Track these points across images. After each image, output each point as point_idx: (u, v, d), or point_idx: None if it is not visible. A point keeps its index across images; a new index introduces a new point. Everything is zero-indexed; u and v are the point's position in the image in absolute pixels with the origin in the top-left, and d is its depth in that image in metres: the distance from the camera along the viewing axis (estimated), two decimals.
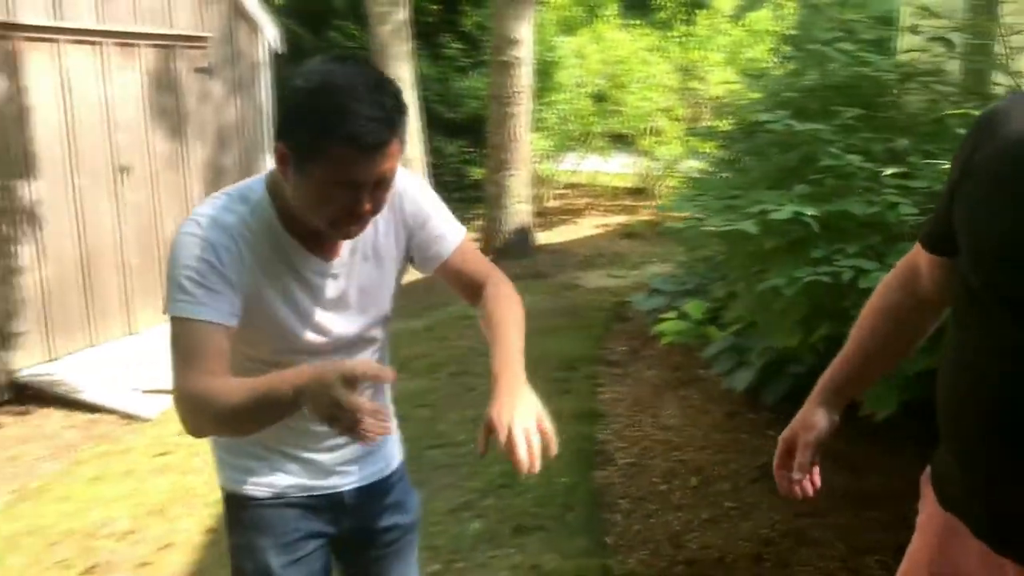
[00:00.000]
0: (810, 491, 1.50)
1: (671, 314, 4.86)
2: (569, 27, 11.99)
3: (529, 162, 9.01)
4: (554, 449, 1.30)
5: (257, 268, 1.44)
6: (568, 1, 12.55)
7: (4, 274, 5.19)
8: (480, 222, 9.47)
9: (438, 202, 1.64)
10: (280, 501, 1.64)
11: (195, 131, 6.62)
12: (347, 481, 1.70)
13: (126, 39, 5.92)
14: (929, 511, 1.41)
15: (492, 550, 3.23)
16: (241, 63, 7.11)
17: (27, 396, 5.17)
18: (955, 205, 1.31)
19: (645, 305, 5.69)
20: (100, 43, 5.75)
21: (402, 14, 8.01)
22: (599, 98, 11.15)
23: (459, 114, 10.74)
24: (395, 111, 1.33)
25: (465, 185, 10.94)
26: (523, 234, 8.81)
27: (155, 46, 6.18)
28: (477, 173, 10.13)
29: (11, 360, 5.20)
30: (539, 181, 11.63)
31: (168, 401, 4.86)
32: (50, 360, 5.38)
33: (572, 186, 12.18)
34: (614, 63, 10.80)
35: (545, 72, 10.57)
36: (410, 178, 1.61)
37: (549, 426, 1.32)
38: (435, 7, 11.11)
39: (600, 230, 10.40)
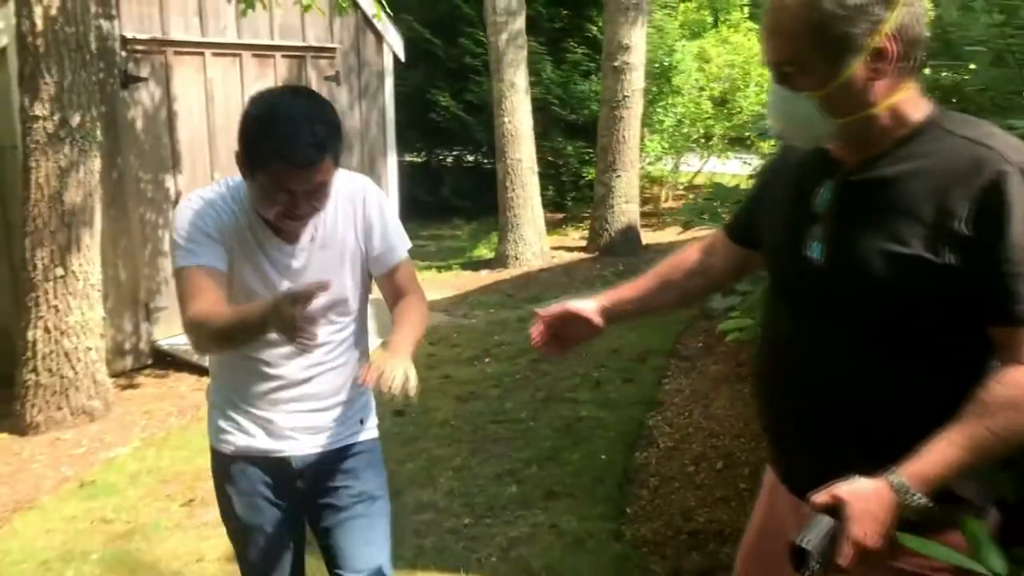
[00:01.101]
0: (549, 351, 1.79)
1: (737, 312, 5.08)
2: (695, 31, 12.11)
3: (637, 164, 9.28)
4: (411, 391, 1.68)
5: (234, 238, 1.83)
6: (694, 5, 12.67)
7: (150, 257, 6.02)
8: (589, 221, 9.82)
9: (395, 217, 1.98)
10: (240, 458, 2.00)
11: None
12: (297, 447, 1.99)
13: (263, 51, 6.68)
14: (767, 473, 1.71)
15: (521, 510, 3.63)
16: (366, 71, 7.78)
17: (165, 362, 5.97)
18: (757, 208, 1.64)
19: (721, 303, 5.90)
20: (239, 55, 6.52)
21: (518, 23, 8.48)
22: (721, 101, 11.25)
23: (579, 116, 11.11)
24: (327, 138, 1.71)
25: (581, 185, 11.31)
26: (629, 233, 9.09)
27: (288, 57, 6.91)
28: (593, 173, 10.50)
29: (154, 331, 6.02)
30: (653, 182, 11.84)
31: None
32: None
33: (693, 187, 12.30)
34: (734, 66, 10.86)
35: (662, 75, 10.78)
36: (376, 189, 1.97)
37: (411, 376, 1.69)
38: (564, 12, 11.53)
39: (711, 230, 10.49)
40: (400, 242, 1.99)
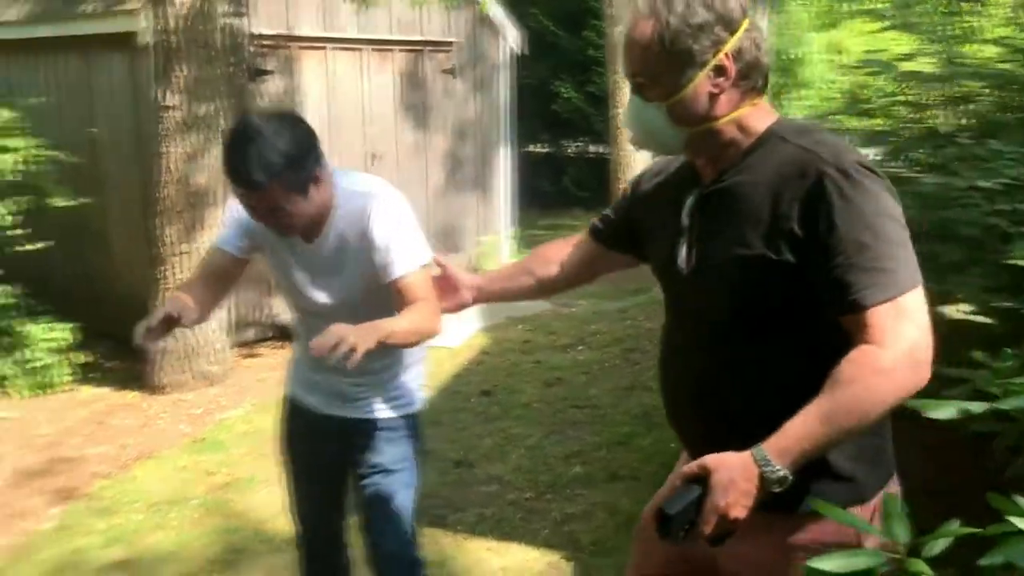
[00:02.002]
0: None
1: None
2: (827, 22, 11.75)
3: None
4: (337, 356, 1.70)
5: (268, 230, 2.07)
6: None
7: None
8: None
9: (400, 233, 2.01)
10: (293, 403, 2.34)
11: (437, 125, 7.64)
12: (327, 407, 2.25)
13: (383, 46, 7.04)
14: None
15: (582, 489, 3.78)
16: (483, 64, 8.03)
17: (285, 335, 6.43)
18: (628, 215, 1.79)
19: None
20: (361, 49, 6.91)
21: None
22: (853, 94, 10.86)
23: None
24: (276, 166, 1.84)
25: None
26: None
27: (407, 51, 7.26)
28: None
29: (274, 307, 6.50)
30: None
31: None
32: None
33: None
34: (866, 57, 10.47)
35: (789, 68, 10.54)
36: (384, 206, 2.02)
37: (350, 343, 1.71)
38: None
39: None
40: (400, 259, 2.00)
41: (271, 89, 6.38)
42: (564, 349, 5.99)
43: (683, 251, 1.55)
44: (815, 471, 1.38)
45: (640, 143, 1.60)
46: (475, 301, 2.02)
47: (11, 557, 3.46)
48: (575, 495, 3.73)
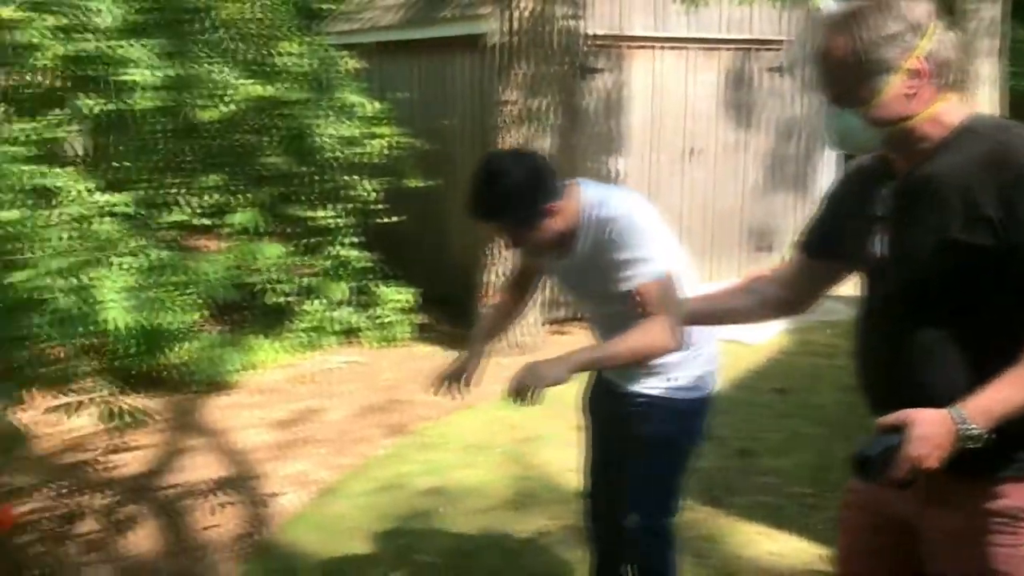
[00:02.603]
0: None
1: None
2: None
3: None
4: (519, 394, 2.05)
5: None
6: None
7: None
8: None
9: (640, 249, 2.18)
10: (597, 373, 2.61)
11: (759, 123, 7.62)
12: (618, 380, 2.47)
13: (710, 44, 7.18)
14: None
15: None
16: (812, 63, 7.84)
17: None
18: (830, 223, 1.87)
19: None
20: (688, 48, 7.10)
21: (991, 10, 7.81)
22: None
23: None
24: (492, 209, 2.21)
25: None
26: None
27: (735, 49, 7.32)
28: None
29: None
30: None
31: None
32: None
33: None
34: None
35: None
36: (621, 213, 2.22)
37: (530, 380, 2.02)
38: None
39: None
40: (637, 270, 2.17)
41: (599, 86, 6.80)
42: None
43: (879, 239, 1.65)
44: (1016, 438, 1.46)
45: (838, 145, 1.71)
46: (683, 323, 2.13)
47: (351, 474, 4.16)
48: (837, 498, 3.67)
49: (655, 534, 2.46)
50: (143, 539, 3.50)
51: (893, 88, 1.55)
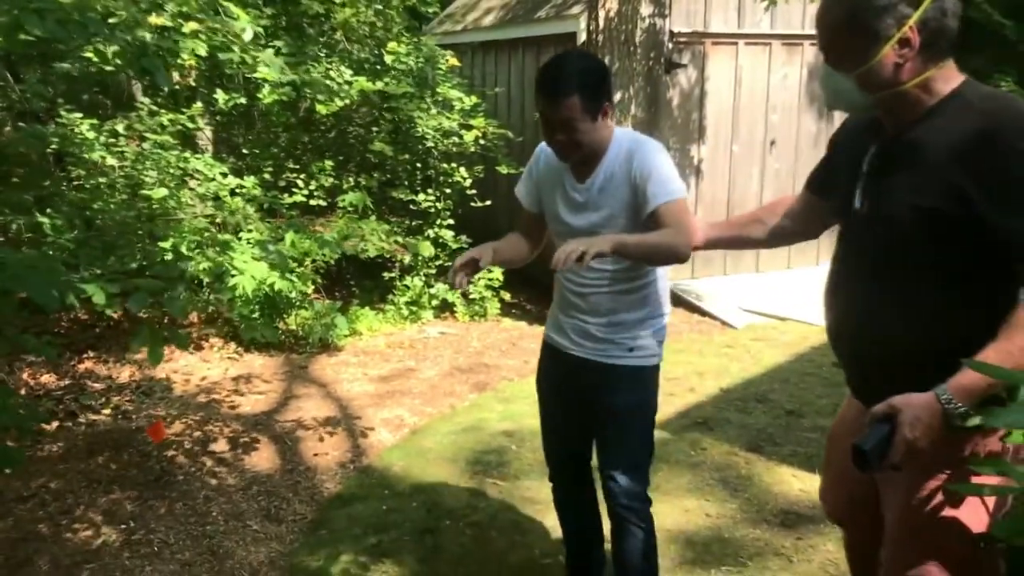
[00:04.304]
0: None
1: None
2: None
3: None
4: (569, 262, 1.98)
5: (548, 173, 2.47)
6: None
7: None
8: None
9: (662, 168, 2.26)
10: (546, 340, 2.62)
11: (841, 115, 7.84)
12: (570, 346, 2.48)
13: (792, 40, 7.48)
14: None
15: None
16: None
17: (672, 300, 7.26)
18: (830, 165, 2.02)
19: None
20: (770, 44, 7.42)
21: None
22: None
23: None
24: (576, 82, 2.17)
25: None
26: None
27: (816, 45, 7.57)
28: None
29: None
30: None
31: (754, 318, 6.44)
32: (691, 277, 7.39)
33: None
34: None
35: None
36: (648, 145, 2.31)
37: (579, 249, 1.98)
38: None
39: None
40: (661, 189, 2.24)
41: (682, 80, 7.21)
42: None
43: (859, 194, 1.75)
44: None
45: (833, 104, 1.78)
46: (704, 246, 2.27)
47: (439, 418, 4.75)
48: None
49: (643, 503, 2.52)
50: (264, 459, 4.18)
51: (884, 56, 1.60)
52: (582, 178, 2.39)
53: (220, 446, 4.31)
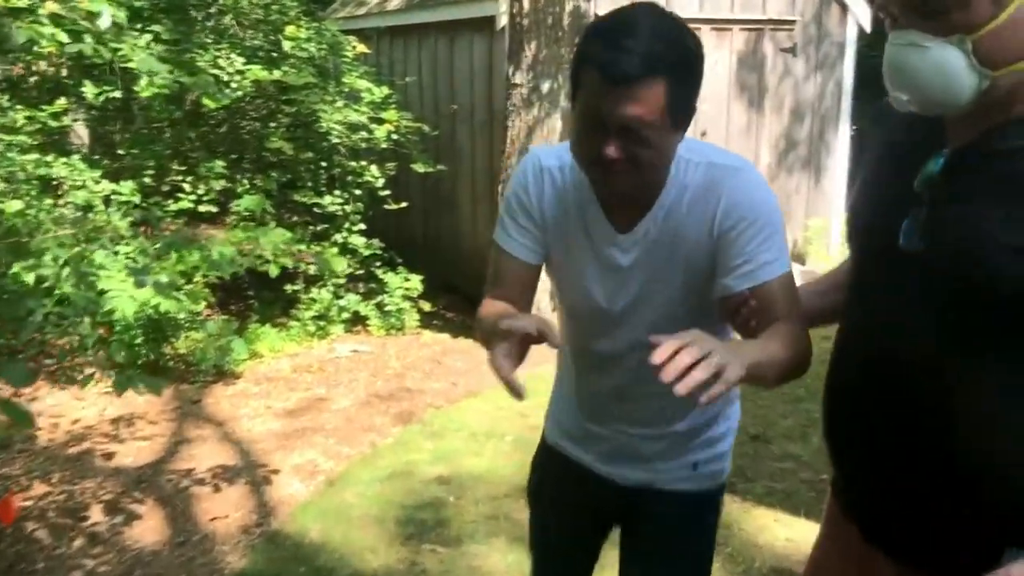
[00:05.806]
0: None
1: None
2: None
3: None
4: (710, 395, 1.07)
5: (559, 217, 1.51)
6: None
7: None
8: None
9: (772, 216, 1.41)
10: (559, 455, 1.79)
11: (771, 105, 7.51)
12: (610, 468, 1.69)
13: (721, 25, 7.06)
14: (828, 501, 1.49)
15: None
16: (826, 42, 7.72)
17: None
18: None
19: None
20: (699, 29, 6.97)
21: None
22: None
23: None
24: (660, 54, 1.26)
25: None
26: None
27: (746, 30, 7.20)
28: None
29: None
30: None
31: None
32: None
33: None
34: None
35: None
36: (745, 172, 1.43)
37: (724, 371, 1.07)
38: None
39: None
40: (773, 253, 1.40)
41: None
42: None
43: (908, 223, 1.16)
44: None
45: (910, 95, 1.14)
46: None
47: (360, 462, 4.11)
48: None
49: None
50: (149, 530, 3.46)
51: (1020, 7, 1.02)
52: (626, 224, 1.47)
53: (94, 515, 3.56)
